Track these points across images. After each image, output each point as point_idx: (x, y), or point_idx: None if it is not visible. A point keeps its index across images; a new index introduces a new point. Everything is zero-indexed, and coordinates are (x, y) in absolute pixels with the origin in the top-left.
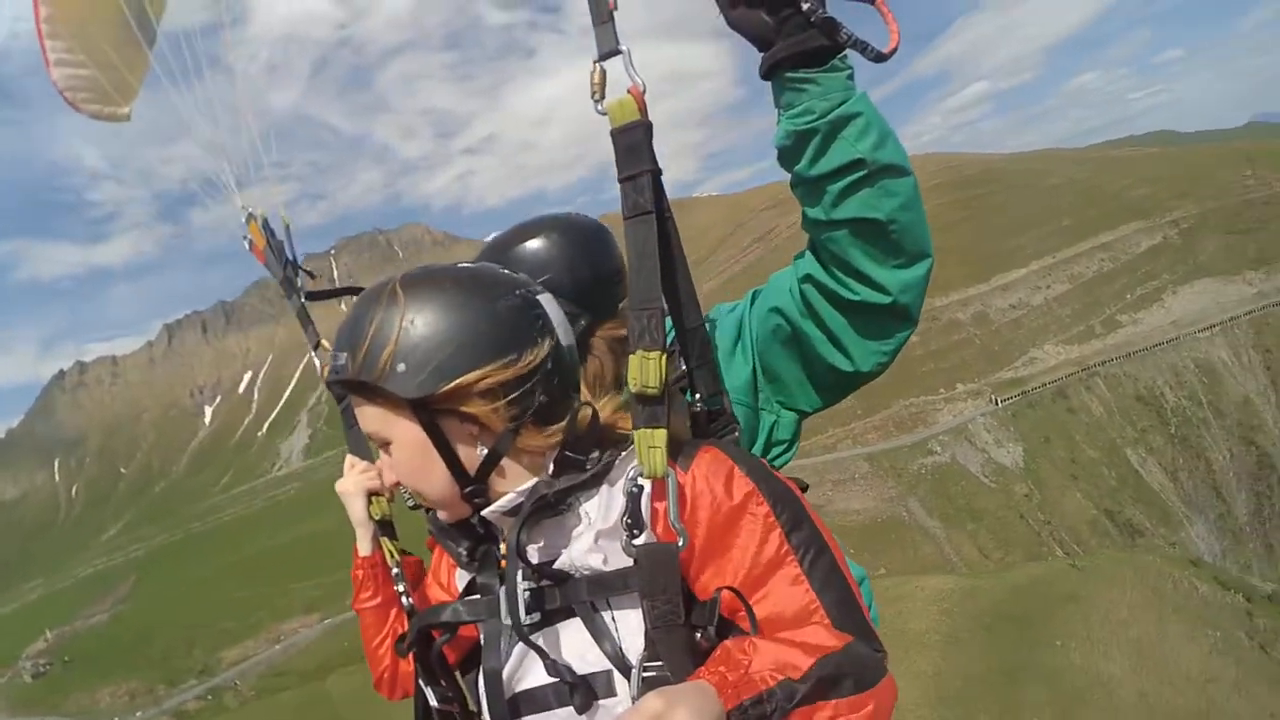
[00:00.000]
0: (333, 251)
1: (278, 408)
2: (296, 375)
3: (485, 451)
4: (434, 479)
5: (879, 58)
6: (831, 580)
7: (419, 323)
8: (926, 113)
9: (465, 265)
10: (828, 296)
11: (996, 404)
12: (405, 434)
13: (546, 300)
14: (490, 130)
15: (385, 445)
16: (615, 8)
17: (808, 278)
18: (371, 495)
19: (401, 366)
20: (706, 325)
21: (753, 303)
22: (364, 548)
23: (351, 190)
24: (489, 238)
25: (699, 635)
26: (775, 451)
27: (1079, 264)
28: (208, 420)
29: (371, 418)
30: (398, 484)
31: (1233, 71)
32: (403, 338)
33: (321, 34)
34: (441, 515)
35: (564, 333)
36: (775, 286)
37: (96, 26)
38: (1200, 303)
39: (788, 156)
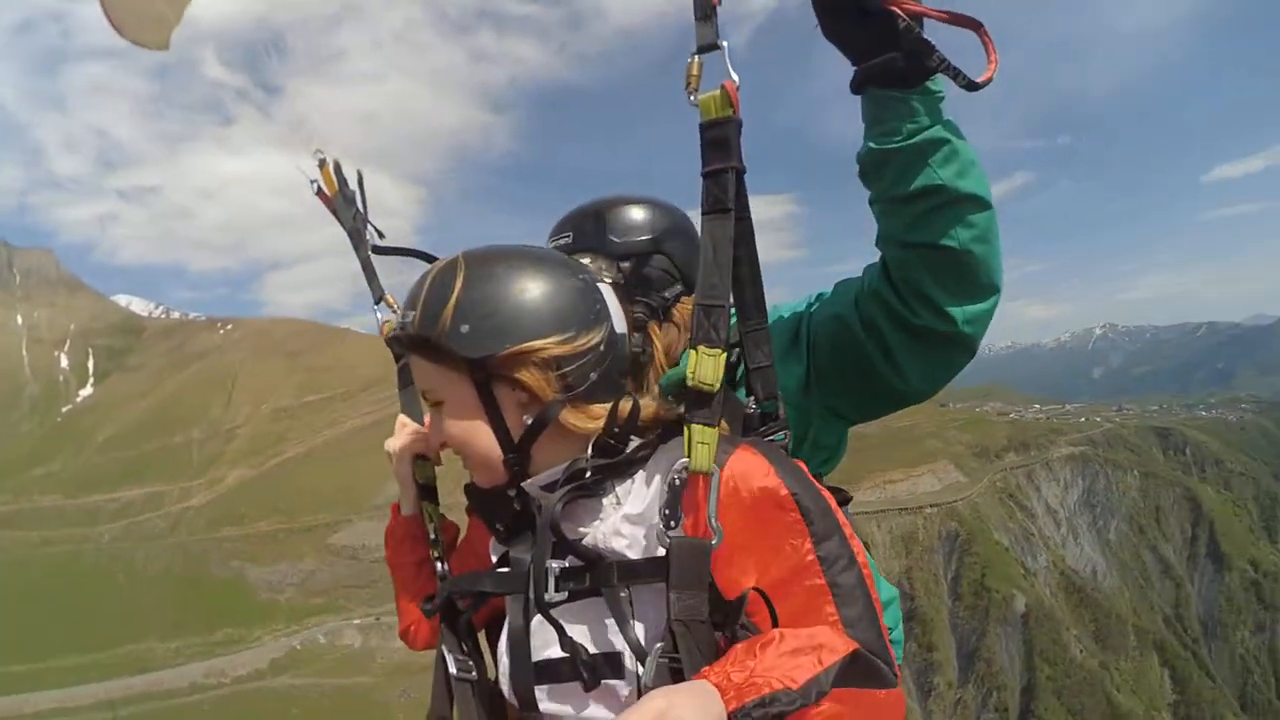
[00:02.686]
0: None
1: None
2: None
3: (531, 420)
4: (479, 440)
5: (971, 86)
6: (855, 594)
7: (486, 289)
8: None
9: (532, 246)
10: (892, 316)
11: None
12: (458, 393)
13: (605, 289)
14: (155, 181)
15: (437, 404)
16: (719, 3)
17: (875, 294)
18: (418, 458)
19: (465, 327)
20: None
21: (815, 305)
22: (406, 508)
23: None
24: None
25: (718, 632)
26: (821, 456)
27: None
28: None
29: (428, 375)
30: (444, 445)
31: None
32: (469, 300)
33: None
34: (480, 479)
35: (619, 322)
36: (840, 294)
37: None
38: None
39: (868, 174)
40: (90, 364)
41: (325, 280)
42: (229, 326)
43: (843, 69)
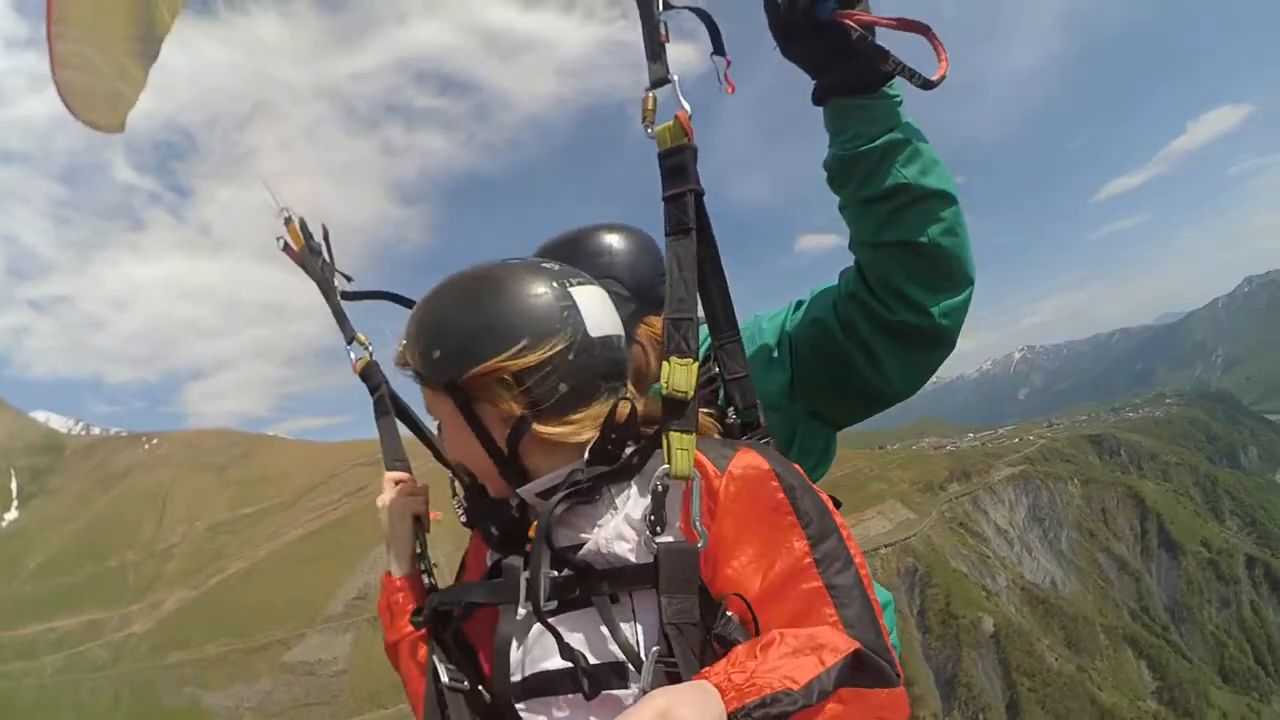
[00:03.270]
0: None
1: None
2: None
3: (509, 431)
4: (473, 455)
5: (926, 85)
6: (853, 595)
7: (446, 312)
8: None
9: (514, 260)
10: (869, 316)
11: None
12: (447, 414)
13: (582, 293)
14: (66, 291)
15: (439, 424)
16: (667, 40)
17: (851, 295)
18: (416, 517)
19: (437, 353)
20: (744, 337)
21: (795, 312)
22: (403, 567)
23: None
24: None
25: (710, 635)
26: (809, 461)
27: None
28: None
29: (427, 399)
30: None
31: None
32: (434, 325)
33: None
34: (489, 490)
35: (596, 325)
36: (818, 300)
37: (105, 37)
38: None
39: (835, 181)
40: (13, 486)
41: (246, 388)
42: (154, 441)
43: (745, 137)
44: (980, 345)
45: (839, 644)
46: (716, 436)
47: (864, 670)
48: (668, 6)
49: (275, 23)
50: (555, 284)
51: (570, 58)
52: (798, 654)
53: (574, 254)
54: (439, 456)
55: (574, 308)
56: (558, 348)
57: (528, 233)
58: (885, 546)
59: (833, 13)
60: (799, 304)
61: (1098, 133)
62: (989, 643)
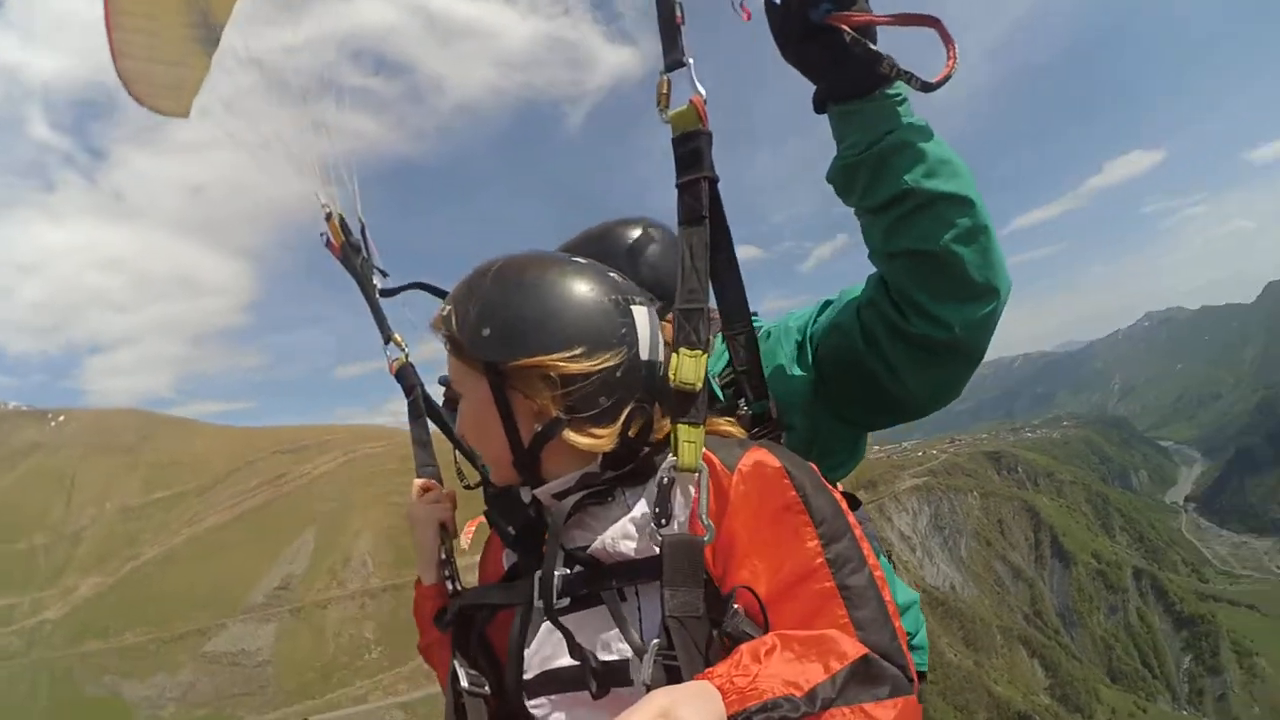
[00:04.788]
0: None
1: None
2: None
3: (539, 429)
4: (490, 439)
5: (926, 87)
6: (866, 596)
7: (512, 296)
8: None
9: (579, 259)
10: (889, 326)
11: None
12: (476, 391)
13: (641, 312)
14: None
15: (460, 397)
16: (683, 22)
17: (872, 304)
18: (442, 525)
19: (486, 331)
20: (774, 337)
21: (820, 314)
22: (430, 575)
23: None
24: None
25: (716, 630)
26: (829, 462)
27: None
28: None
29: (454, 369)
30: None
31: None
32: (493, 304)
33: None
34: (494, 476)
35: (648, 347)
36: (843, 303)
37: (163, 25)
38: None
39: (840, 190)
40: None
41: (148, 365)
42: (60, 418)
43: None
44: None
45: (847, 649)
46: (737, 437)
47: (874, 675)
48: None
49: None
50: (620, 298)
51: (511, 49)
52: (804, 659)
53: (603, 248)
54: (471, 461)
55: (632, 326)
56: (610, 363)
57: (454, 218)
58: None
59: (825, 15)
60: (826, 304)
61: (1015, 167)
62: None
